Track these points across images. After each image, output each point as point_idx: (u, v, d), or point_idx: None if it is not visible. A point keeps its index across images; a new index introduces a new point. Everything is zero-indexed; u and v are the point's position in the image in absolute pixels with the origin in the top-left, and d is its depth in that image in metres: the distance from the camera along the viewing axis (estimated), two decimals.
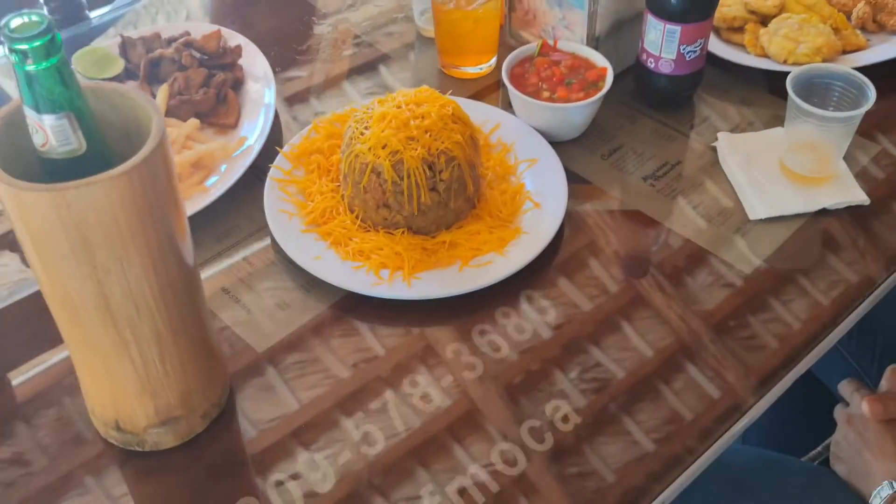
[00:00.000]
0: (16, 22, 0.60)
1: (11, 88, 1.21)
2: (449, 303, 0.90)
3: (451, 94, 1.03)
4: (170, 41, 1.16)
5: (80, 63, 1.12)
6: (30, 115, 0.62)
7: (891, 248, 0.98)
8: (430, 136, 0.92)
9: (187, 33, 1.16)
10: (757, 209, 1.00)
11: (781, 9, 1.18)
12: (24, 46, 0.59)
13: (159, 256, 0.69)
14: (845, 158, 1.04)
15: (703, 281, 0.93)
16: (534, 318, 0.90)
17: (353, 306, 0.91)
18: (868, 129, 1.08)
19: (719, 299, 0.92)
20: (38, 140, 0.63)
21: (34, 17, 0.60)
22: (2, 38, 0.60)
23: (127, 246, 0.66)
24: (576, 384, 0.84)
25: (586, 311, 0.91)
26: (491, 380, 0.84)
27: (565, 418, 0.81)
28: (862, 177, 1.04)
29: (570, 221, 1.00)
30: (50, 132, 0.63)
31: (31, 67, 0.60)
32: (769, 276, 0.94)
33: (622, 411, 0.82)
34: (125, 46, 1.15)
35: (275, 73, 1.16)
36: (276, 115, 1.12)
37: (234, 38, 1.17)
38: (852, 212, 1.00)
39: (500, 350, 0.87)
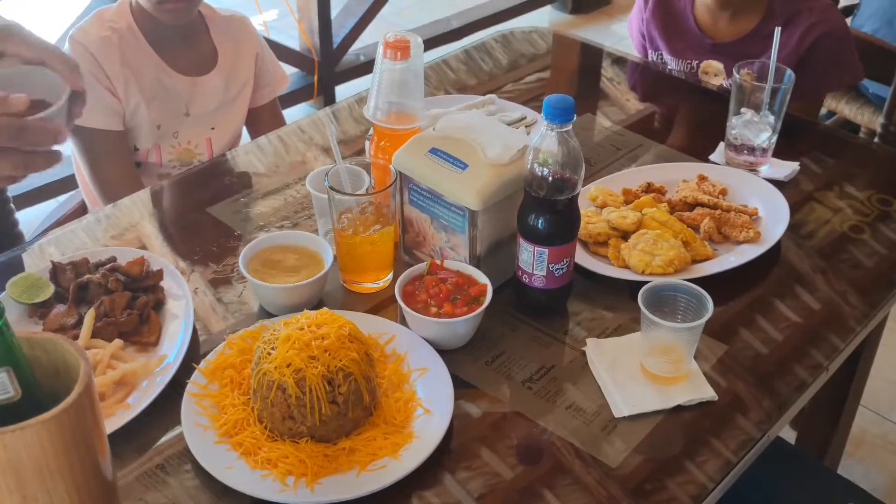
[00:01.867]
0: None
1: None
2: None
3: (350, 313, 1.16)
4: (97, 266, 1.28)
5: (13, 289, 1.23)
6: None
7: (738, 434, 1.12)
8: (329, 354, 1.05)
9: (114, 259, 1.29)
10: (620, 407, 1.14)
11: (639, 225, 1.37)
12: None
13: (82, 479, 0.79)
14: (697, 358, 1.19)
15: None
16: None
17: None
18: (715, 331, 1.24)
19: None
20: None
21: None
22: None
23: (54, 475, 0.76)
24: None
25: None
26: None
27: None
28: (712, 373, 1.19)
29: (459, 423, 1.12)
30: None
31: None
32: (633, 470, 1.07)
33: None
34: (56, 272, 1.27)
35: (194, 292, 1.28)
36: (195, 332, 1.24)
37: (156, 261, 1.30)
38: (703, 407, 1.15)
39: None
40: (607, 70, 1.96)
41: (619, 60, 2.00)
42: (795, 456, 1.42)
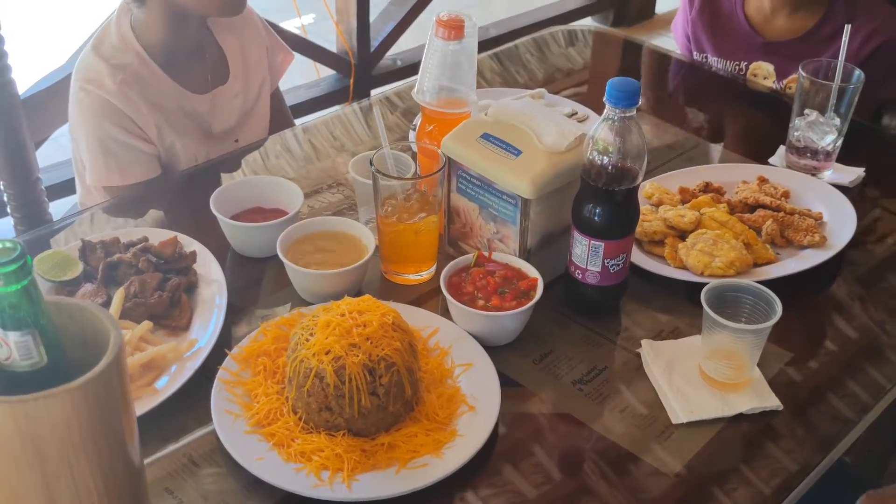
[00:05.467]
0: None
1: None
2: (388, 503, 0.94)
3: (390, 304, 1.10)
4: (128, 246, 1.22)
5: (40, 266, 1.17)
6: None
7: (805, 450, 1.04)
8: (370, 342, 0.99)
9: (145, 238, 1.23)
10: (678, 413, 1.06)
11: (698, 225, 1.29)
12: None
13: (108, 460, 0.73)
14: (760, 365, 1.11)
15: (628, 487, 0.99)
16: None
17: None
18: (780, 338, 1.17)
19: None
20: (1, 354, 0.68)
21: (8, 244, 0.66)
22: None
23: (77, 452, 0.70)
24: None
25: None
26: None
27: None
28: (775, 382, 1.11)
29: (504, 423, 1.05)
30: (14, 348, 0.68)
31: (1, 289, 0.66)
32: (688, 482, 0.99)
33: None
34: (85, 250, 1.21)
35: (228, 276, 1.22)
36: (228, 317, 1.18)
37: (190, 244, 1.24)
38: (767, 417, 1.07)
39: None
40: (654, 73, 1.89)
41: (664, 59, 1.94)
42: (854, 478, 1.34)
